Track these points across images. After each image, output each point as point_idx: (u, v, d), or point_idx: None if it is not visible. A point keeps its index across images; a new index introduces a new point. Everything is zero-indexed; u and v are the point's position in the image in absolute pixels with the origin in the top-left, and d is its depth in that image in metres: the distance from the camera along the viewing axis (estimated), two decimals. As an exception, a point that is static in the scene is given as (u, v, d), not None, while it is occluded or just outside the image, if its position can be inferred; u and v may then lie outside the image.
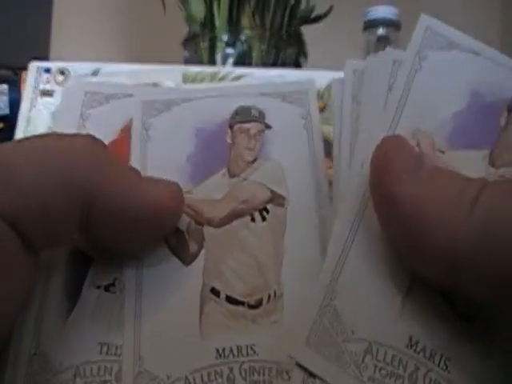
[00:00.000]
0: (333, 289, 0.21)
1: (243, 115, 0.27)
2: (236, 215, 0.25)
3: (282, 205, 0.25)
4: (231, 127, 0.27)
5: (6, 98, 0.75)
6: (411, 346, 0.20)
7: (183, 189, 0.24)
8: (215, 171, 0.26)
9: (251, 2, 0.57)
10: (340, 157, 0.24)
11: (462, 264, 0.18)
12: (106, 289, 0.24)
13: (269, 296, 0.24)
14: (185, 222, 0.25)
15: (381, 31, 0.78)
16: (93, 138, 0.22)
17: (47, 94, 0.35)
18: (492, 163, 0.23)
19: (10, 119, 0.74)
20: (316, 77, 0.35)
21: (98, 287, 0.24)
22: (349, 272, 0.21)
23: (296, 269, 0.24)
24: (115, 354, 0.23)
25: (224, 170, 0.26)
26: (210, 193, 0.26)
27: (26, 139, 0.22)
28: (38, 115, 0.34)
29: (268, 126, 0.27)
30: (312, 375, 0.20)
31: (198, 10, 0.56)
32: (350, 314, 0.21)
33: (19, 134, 0.33)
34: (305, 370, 0.20)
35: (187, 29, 0.60)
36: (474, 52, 0.24)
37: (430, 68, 0.24)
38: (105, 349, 0.23)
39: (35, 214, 0.20)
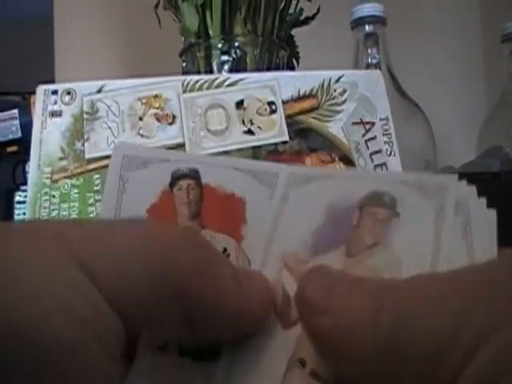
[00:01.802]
0: None
1: (374, 199, 0.26)
2: None
3: None
4: (360, 209, 0.26)
5: (17, 122, 0.76)
6: None
7: (302, 259, 0.25)
8: (335, 247, 0.25)
9: (242, 10, 0.57)
10: None
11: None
12: (160, 349, 0.23)
13: None
14: (294, 288, 0.24)
15: (368, 28, 0.78)
16: (193, 232, 0.23)
17: (56, 114, 0.36)
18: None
19: (23, 142, 0.75)
20: (309, 77, 0.35)
21: (153, 348, 0.23)
22: None
23: None
24: None
25: (343, 248, 0.25)
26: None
27: (129, 226, 0.22)
28: (49, 136, 0.35)
29: (397, 215, 0.26)
30: None
31: (192, 21, 0.57)
32: None
33: (33, 155, 0.34)
34: None
35: (183, 40, 0.60)
36: None
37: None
38: None
39: (141, 310, 0.20)
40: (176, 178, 0.27)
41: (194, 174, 0.27)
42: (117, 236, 0.21)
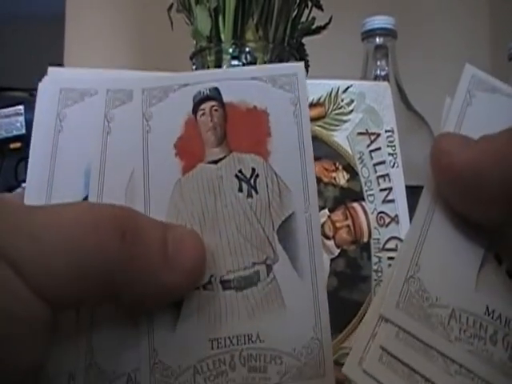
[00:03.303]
0: (416, 263, 0.23)
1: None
2: None
3: None
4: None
5: (22, 119, 0.75)
6: (489, 314, 0.22)
7: None
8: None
9: (255, 16, 0.57)
10: None
11: None
12: (205, 287, 0.24)
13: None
14: None
15: (378, 40, 0.77)
16: (122, 210, 0.22)
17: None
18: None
19: (27, 139, 0.75)
20: (317, 85, 0.35)
21: (197, 288, 0.24)
22: (428, 251, 0.23)
23: None
24: (225, 346, 0.24)
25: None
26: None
27: (59, 210, 0.22)
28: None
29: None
30: (404, 330, 0.22)
31: (204, 24, 0.56)
32: (433, 285, 0.23)
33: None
34: (398, 327, 0.22)
35: (194, 43, 0.60)
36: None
37: (478, 104, 0.26)
38: (215, 344, 0.24)
39: (67, 297, 0.21)
40: (198, 102, 0.26)
41: (215, 95, 0.27)
42: (40, 226, 0.21)
